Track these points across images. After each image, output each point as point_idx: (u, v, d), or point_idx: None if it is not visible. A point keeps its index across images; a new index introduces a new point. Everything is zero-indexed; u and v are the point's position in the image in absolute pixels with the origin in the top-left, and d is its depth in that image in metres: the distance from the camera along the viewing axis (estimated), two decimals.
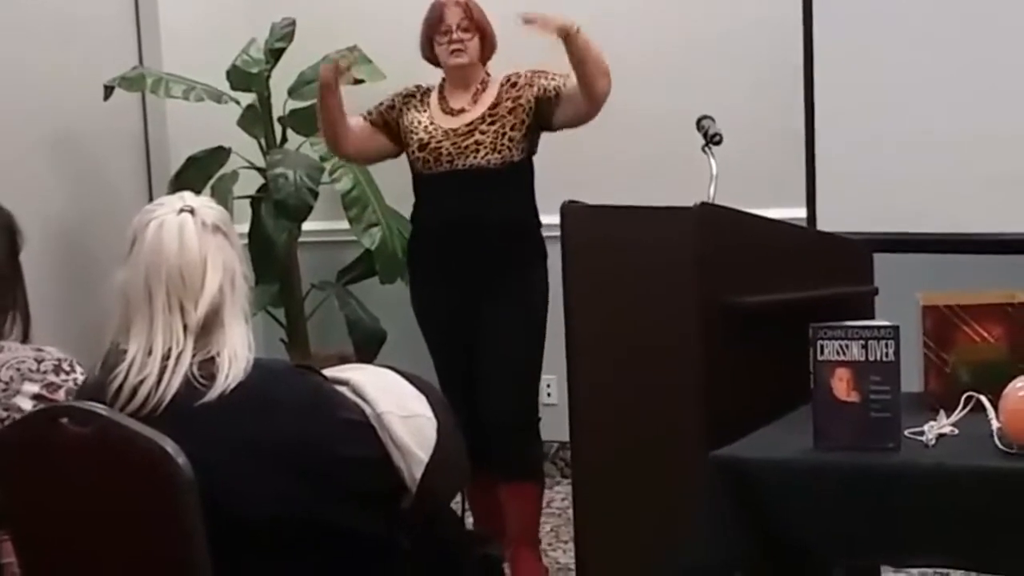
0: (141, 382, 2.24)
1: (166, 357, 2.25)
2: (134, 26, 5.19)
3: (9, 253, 2.72)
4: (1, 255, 2.70)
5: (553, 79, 4.09)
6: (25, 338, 2.70)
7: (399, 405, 2.34)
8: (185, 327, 2.26)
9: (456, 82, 4.18)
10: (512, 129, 4.07)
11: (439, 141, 4.09)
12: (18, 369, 2.61)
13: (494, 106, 4.11)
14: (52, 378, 2.62)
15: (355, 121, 4.21)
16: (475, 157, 4.06)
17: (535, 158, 4.17)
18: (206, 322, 2.27)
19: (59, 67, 4.74)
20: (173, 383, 2.24)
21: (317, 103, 4.17)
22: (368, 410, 2.32)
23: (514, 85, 4.13)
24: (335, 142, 4.21)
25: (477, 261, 4.07)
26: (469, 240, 4.05)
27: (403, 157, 4.23)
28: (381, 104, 4.25)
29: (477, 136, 4.08)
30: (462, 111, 4.13)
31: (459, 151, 4.07)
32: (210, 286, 2.27)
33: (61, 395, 2.58)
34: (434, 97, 4.20)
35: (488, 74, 4.20)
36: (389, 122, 4.21)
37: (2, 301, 2.69)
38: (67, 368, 2.64)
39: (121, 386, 2.25)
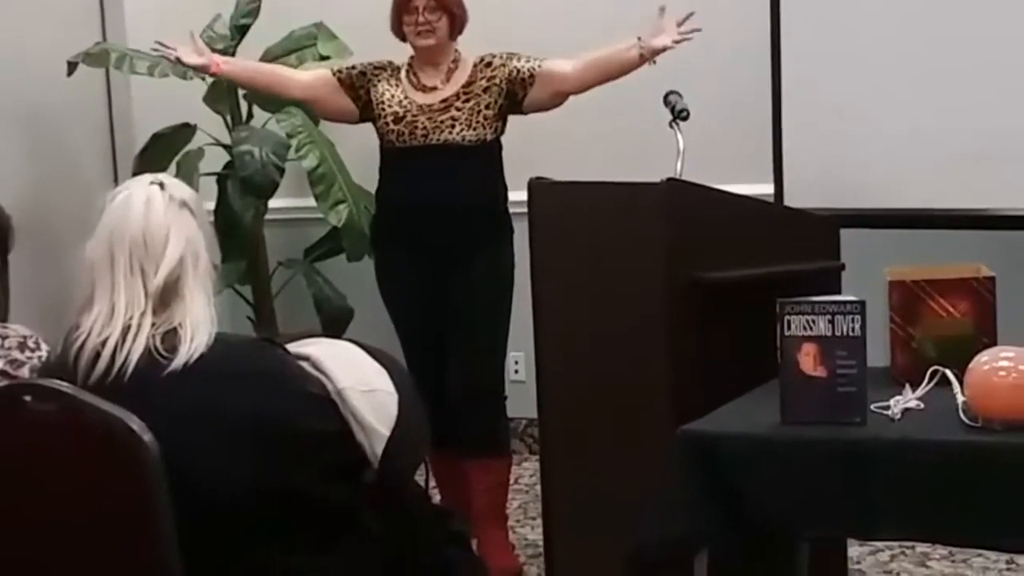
0: (103, 343, 2.24)
1: (128, 320, 2.25)
2: (98, 1, 5.14)
3: None
4: None
5: (528, 61, 4.09)
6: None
7: (360, 380, 2.34)
8: (146, 292, 2.27)
9: (425, 60, 4.17)
10: (486, 108, 4.07)
11: (415, 115, 4.09)
12: None
13: (468, 84, 4.10)
14: (16, 355, 2.61)
15: (316, 74, 4.28)
16: (450, 133, 4.06)
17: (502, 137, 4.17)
18: (166, 289, 2.27)
19: (22, 43, 4.68)
20: (135, 348, 2.24)
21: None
22: (329, 385, 2.31)
23: (488, 65, 4.12)
24: (277, 95, 4.42)
25: (445, 238, 4.06)
26: (438, 217, 4.05)
27: (366, 131, 4.22)
28: (353, 68, 4.22)
29: (453, 112, 4.07)
30: (435, 88, 4.13)
31: (435, 125, 4.07)
32: (171, 253, 2.28)
33: (25, 372, 2.58)
34: (404, 74, 4.19)
35: (458, 51, 4.19)
36: (357, 87, 4.18)
37: None
38: (32, 345, 2.64)
39: (83, 346, 2.25)
